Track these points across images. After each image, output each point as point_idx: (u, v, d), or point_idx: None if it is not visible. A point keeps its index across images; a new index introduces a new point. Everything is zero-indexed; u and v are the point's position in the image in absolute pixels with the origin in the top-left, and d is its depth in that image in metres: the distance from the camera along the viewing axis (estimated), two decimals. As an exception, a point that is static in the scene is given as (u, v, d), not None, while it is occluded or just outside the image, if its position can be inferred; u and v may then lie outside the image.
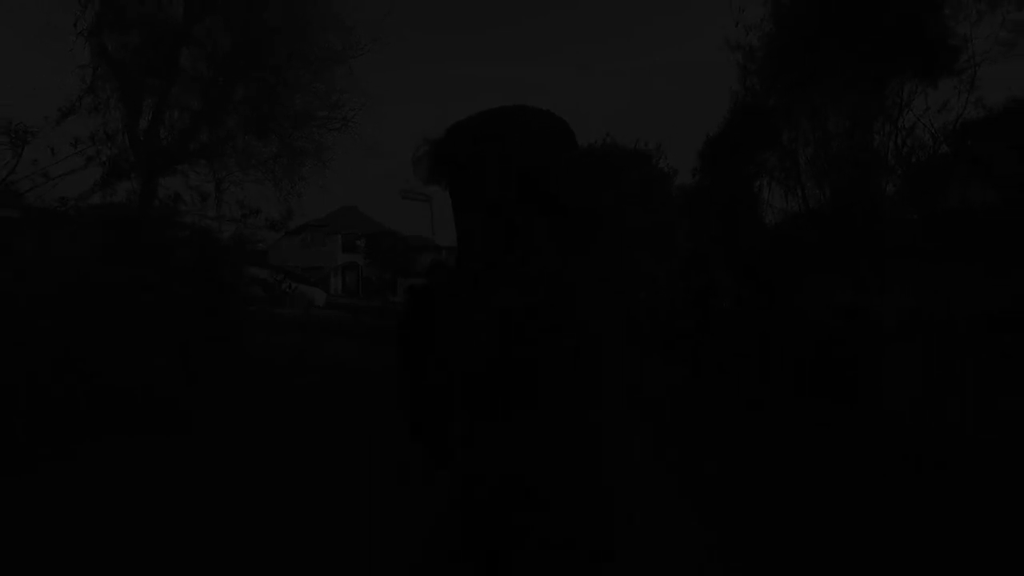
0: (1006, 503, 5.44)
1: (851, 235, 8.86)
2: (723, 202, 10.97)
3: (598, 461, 1.09)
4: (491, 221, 1.18)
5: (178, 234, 9.57)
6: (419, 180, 1.29)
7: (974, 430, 7.23)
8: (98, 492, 5.13)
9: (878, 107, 9.07)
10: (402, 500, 4.29)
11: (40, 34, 17.02)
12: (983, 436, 7.04)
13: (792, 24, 9.64)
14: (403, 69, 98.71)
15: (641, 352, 11.47)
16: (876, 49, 8.34)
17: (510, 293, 1.17)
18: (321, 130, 16.49)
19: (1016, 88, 8.58)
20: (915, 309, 8.12)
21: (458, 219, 1.24)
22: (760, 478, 6.14)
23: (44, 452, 5.93)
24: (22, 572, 3.83)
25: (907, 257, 8.52)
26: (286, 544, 4.19)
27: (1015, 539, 4.68)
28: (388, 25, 40.51)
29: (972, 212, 8.15)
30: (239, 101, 14.15)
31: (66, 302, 6.16)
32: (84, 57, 12.07)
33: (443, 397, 2.40)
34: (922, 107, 8.92)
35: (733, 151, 10.93)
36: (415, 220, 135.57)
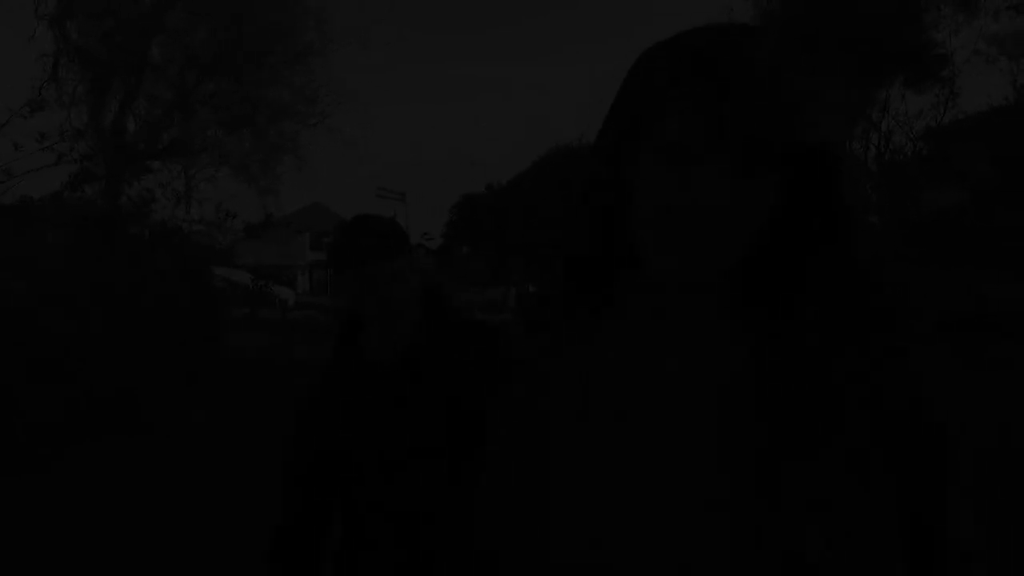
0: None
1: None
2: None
3: None
4: None
5: (151, 233, 9.19)
6: None
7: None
8: (100, 493, 4.99)
9: (859, 112, 9.38)
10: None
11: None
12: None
13: (782, 29, 9.83)
14: (402, 68, 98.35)
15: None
16: (863, 58, 8.63)
17: None
18: (298, 126, 16.14)
19: (994, 97, 8.96)
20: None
21: None
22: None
23: (44, 452, 5.83)
24: (23, 572, 3.76)
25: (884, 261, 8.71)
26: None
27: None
28: (386, 25, 40.05)
29: (943, 217, 8.43)
30: (211, 94, 13.72)
31: (66, 302, 6.05)
32: (48, 45, 11.37)
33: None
34: (900, 114, 9.25)
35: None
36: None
